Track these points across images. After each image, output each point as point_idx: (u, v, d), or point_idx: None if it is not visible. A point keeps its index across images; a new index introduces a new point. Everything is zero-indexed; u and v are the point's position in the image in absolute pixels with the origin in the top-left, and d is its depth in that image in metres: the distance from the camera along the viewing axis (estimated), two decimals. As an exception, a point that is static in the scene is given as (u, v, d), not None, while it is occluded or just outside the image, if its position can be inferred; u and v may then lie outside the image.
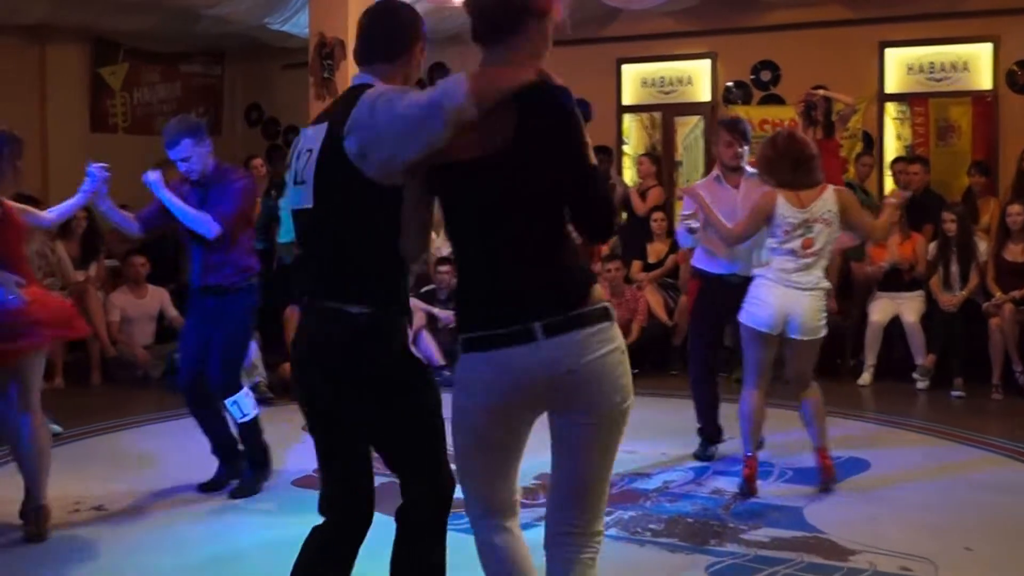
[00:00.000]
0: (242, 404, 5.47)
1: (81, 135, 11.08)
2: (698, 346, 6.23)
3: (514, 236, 2.66)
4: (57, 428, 6.56)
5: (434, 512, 3.06)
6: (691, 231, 5.98)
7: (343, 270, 2.92)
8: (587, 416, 2.77)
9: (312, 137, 2.97)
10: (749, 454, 5.43)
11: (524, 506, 5.16)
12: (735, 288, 5.64)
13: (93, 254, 9.07)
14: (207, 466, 5.69)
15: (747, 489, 5.39)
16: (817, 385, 5.60)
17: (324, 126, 2.92)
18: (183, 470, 5.84)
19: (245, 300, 5.52)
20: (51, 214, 5.41)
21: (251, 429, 5.56)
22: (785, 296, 5.26)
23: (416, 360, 3.02)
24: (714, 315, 6.04)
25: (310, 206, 2.92)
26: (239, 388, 5.51)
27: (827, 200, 5.30)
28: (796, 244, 5.26)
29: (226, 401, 5.45)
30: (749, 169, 5.94)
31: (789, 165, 5.32)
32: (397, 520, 3.04)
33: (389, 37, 3.08)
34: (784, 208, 5.27)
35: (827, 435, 5.53)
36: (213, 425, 5.57)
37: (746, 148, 6.00)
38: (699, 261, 6.14)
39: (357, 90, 2.93)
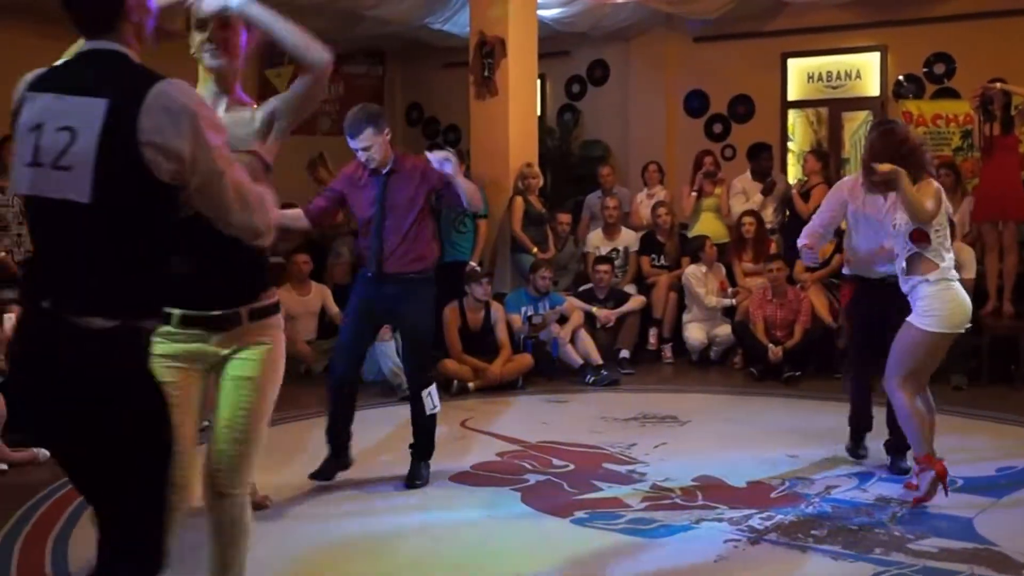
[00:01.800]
0: (434, 396, 5.65)
1: (249, 136, 11.46)
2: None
3: None
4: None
5: None
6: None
7: (99, 274, 2.49)
8: None
9: (71, 113, 2.47)
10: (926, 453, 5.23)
11: (680, 507, 5.16)
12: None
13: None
14: (368, 459, 5.89)
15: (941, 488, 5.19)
16: None
17: (101, 102, 2.44)
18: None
19: (429, 288, 5.65)
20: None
21: (433, 421, 5.70)
22: (962, 289, 5.22)
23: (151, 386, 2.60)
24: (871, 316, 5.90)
25: (81, 200, 2.44)
26: (432, 380, 5.70)
27: None
28: (952, 242, 5.29)
29: (422, 392, 5.61)
30: None
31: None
32: None
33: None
34: (946, 206, 5.21)
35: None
36: (347, 416, 5.68)
37: None
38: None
39: (112, 61, 2.56)
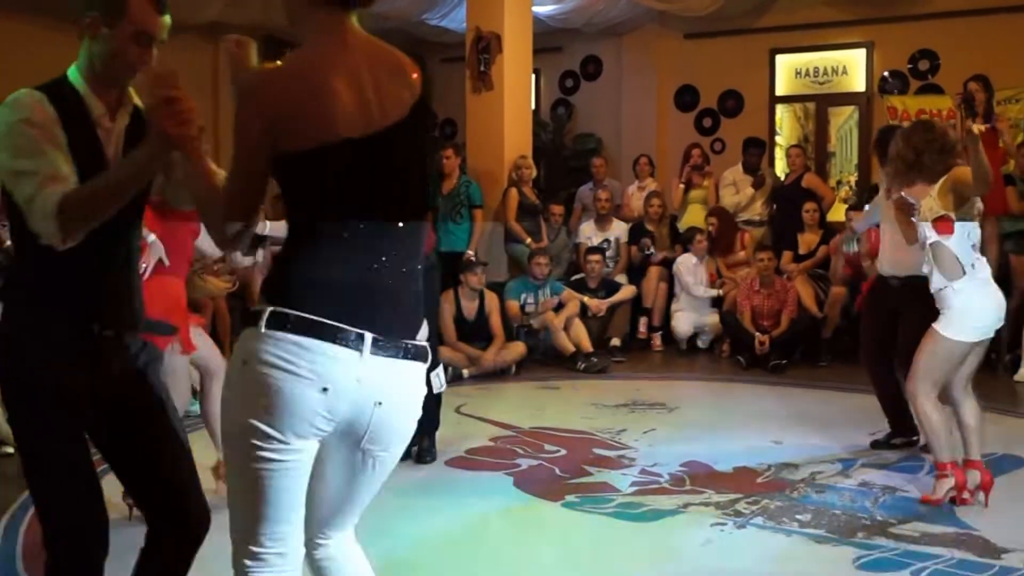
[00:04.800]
0: (441, 376, 5.78)
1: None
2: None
3: None
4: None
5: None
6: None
7: None
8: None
9: None
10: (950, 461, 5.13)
11: (668, 491, 5.29)
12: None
13: (260, 241, 9.47)
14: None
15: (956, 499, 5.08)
16: None
17: None
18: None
19: (428, 273, 5.81)
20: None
21: (439, 400, 5.85)
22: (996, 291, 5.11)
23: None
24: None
25: None
26: (439, 361, 5.89)
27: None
28: (976, 243, 5.08)
29: (431, 373, 5.77)
30: None
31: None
32: None
33: None
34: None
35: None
36: None
37: None
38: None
39: None
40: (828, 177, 11.16)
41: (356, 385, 2.33)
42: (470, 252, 9.13)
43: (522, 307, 9.01)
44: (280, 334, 2.29)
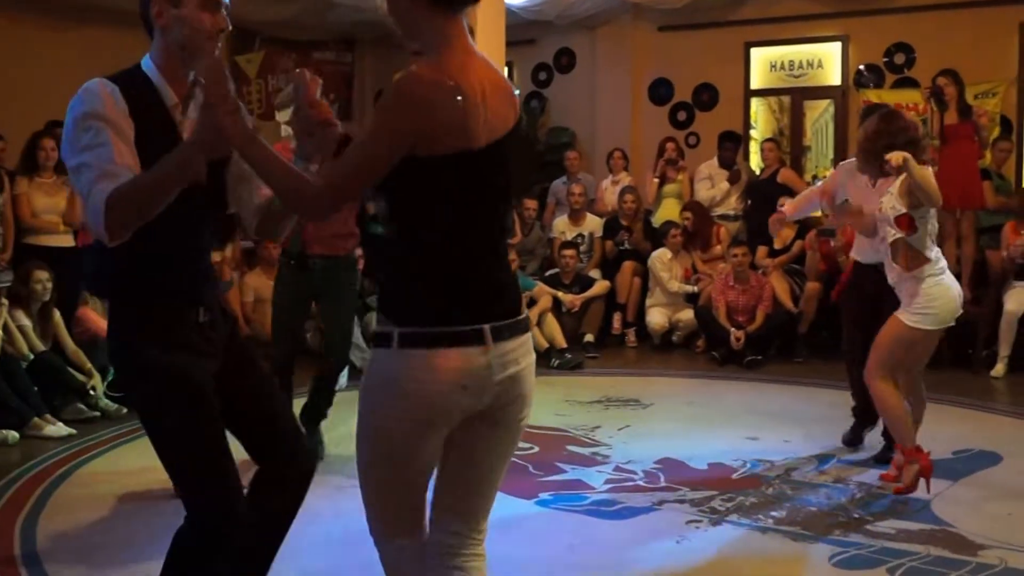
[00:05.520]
0: (345, 374, 6.10)
1: (218, 121, 11.41)
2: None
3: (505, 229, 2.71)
4: None
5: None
6: None
7: None
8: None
9: None
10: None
11: (642, 489, 5.25)
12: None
13: (228, 236, 9.38)
14: (345, 442, 5.91)
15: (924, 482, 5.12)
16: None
17: None
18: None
19: (352, 274, 5.85)
20: None
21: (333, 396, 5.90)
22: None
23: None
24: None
25: None
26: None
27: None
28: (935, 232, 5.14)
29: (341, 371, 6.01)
30: None
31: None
32: None
33: None
34: None
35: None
36: (290, 395, 5.67)
37: None
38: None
39: None
40: (804, 171, 11.12)
41: (489, 373, 2.49)
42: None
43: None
44: (415, 351, 2.44)
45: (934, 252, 5.04)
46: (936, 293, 4.99)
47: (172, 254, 2.84)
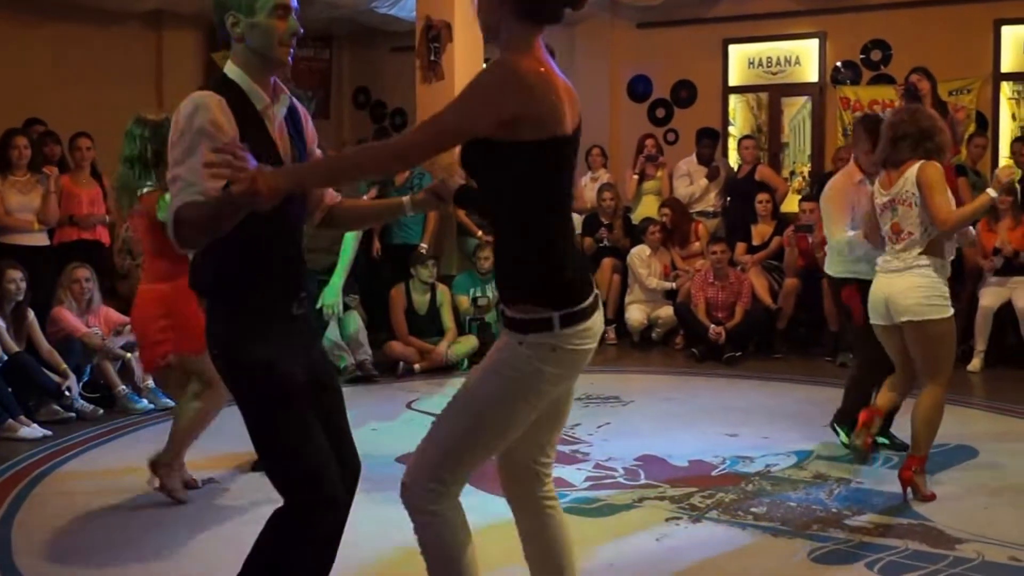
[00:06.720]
0: None
1: (195, 118, 11.35)
2: None
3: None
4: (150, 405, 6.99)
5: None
6: None
7: None
8: None
9: None
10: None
11: (622, 486, 5.25)
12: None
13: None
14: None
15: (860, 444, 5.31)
16: (935, 388, 5.10)
17: None
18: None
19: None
20: None
21: None
22: (880, 281, 5.08)
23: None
24: None
25: None
26: None
27: (908, 179, 4.97)
28: (887, 228, 5.07)
29: None
30: None
31: (872, 144, 5.21)
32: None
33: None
34: (875, 190, 5.15)
35: (924, 447, 5.10)
36: None
37: None
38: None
39: None
40: (781, 168, 11.17)
41: (602, 327, 2.94)
42: (423, 245, 9.01)
43: (474, 301, 8.89)
44: (572, 328, 2.78)
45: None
46: (873, 288, 5.14)
47: (273, 257, 2.94)
